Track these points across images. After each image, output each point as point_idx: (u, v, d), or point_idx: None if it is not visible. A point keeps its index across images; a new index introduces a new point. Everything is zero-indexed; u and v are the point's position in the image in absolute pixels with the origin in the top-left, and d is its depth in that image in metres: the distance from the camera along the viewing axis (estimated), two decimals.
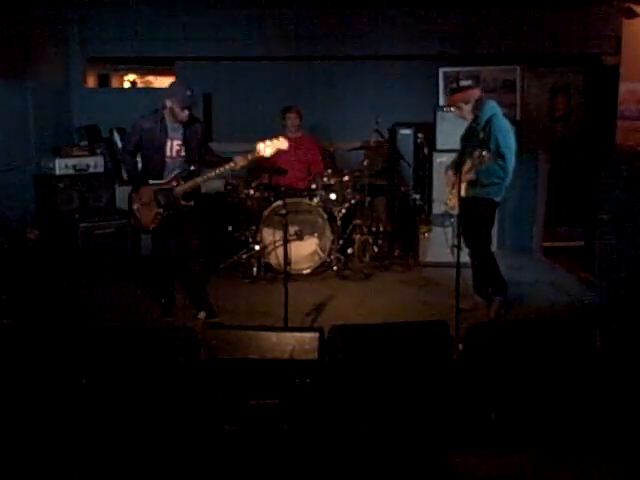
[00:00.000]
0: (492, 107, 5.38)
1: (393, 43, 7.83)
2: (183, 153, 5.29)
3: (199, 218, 5.44)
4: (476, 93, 5.45)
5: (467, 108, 5.40)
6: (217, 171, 5.22)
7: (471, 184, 5.32)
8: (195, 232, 5.41)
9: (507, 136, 5.29)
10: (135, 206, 5.35)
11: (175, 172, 5.25)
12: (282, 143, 5.17)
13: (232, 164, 5.17)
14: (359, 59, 8.00)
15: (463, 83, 5.46)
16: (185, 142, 5.28)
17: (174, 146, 5.27)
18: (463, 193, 5.26)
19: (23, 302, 5.49)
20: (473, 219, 5.42)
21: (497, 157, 5.22)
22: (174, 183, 5.23)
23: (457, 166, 5.23)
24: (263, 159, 5.31)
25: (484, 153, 5.12)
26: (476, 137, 5.36)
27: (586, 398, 3.72)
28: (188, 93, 5.13)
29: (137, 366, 3.80)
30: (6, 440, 3.55)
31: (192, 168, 5.30)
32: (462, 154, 5.37)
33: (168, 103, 5.18)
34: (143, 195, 5.28)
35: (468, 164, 5.32)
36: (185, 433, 3.55)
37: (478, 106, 5.37)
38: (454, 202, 5.30)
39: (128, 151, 5.38)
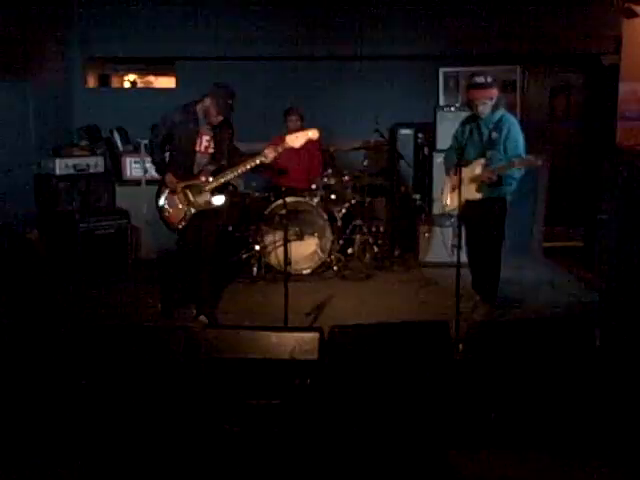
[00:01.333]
0: (499, 107, 5.36)
1: (393, 43, 7.84)
2: (211, 150, 5.26)
3: (221, 220, 5.43)
4: (497, 91, 5.36)
5: (490, 104, 5.29)
6: (247, 165, 5.18)
7: (485, 185, 5.27)
8: (212, 235, 5.37)
9: (521, 135, 5.28)
10: (164, 202, 5.28)
11: (203, 167, 5.22)
12: (313, 133, 5.16)
13: (262, 157, 5.14)
14: (359, 59, 8.00)
15: (490, 80, 5.30)
16: (214, 140, 5.25)
17: (203, 141, 5.24)
18: (478, 195, 5.25)
19: (23, 302, 5.49)
20: (490, 219, 5.39)
21: (518, 157, 5.20)
22: (203, 178, 5.20)
23: (457, 167, 5.14)
24: (292, 149, 5.25)
25: (517, 160, 5.05)
26: (486, 138, 5.29)
27: (586, 398, 3.73)
28: (229, 102, 5.11)
29: (137, 366, 3.80)
30: (6, 440, 3.55)
31: (223, 163, 5.25)
32: (461, 154, 5.14)
33: (207, 101, 5.16)
34: (171, 193, 5.24)
35: (479, 167, 5.26)
36: (185, 433, 3.55)
37: (494, 106, 5.31)
38: (455, 204, 5.24)
39: (157, 144, 5.31)
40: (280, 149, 5.15)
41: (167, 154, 5.38)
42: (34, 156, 6.89)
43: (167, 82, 9.12)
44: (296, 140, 5.15)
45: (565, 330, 4.07)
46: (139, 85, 9.80)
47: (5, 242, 5.82)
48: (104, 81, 8.97)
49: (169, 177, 5.23)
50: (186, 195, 5.22)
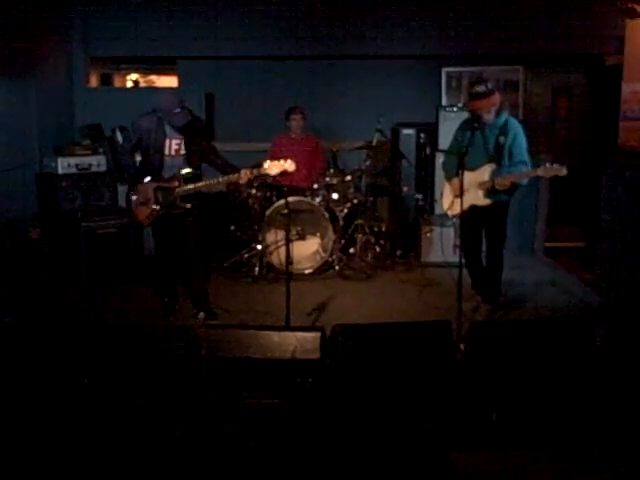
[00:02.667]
0: (502, 110, 5.33)
1: (395, 43, 7.84)
2: (183, 152, 5.29)
3: (199, 220, 5.43)
4: (499, 96, 5.28)
5: (494, 110, 5.23)
6: (220, 180, 5.24)
7: (495, 190, 5.22)
8: (194, 233, 5.40)
9: (525, 139, 5.26)
10: (133, 199, 5.35)
11: (177, 171, 5.26)
12: (290, 165, 5.17)
13: (237, 176, 5.18)
14: (361, 59, 8.00)
15: (491, 86, 5.18)
16: (185, 141, 5.27)
17: (173, 145, 5.27)
18: (487, 200, 5.24)
19: (25, 301, 5.50)
20: (499, 222, 5.38)
21: (524, 163, 5.21)
22: (175, 183, 5.24)
23: (457, 172, 5.06)
24: (267, 176, 5.28)
25: (541, 169, 4.99)
26: (493, 143, 5.23)
27: (587, 398, 3.73)
28: (176, 111, 5.08)
29: (139, 365, 3.81)
30: (6, 439, 3.55)
31: (197, 172, 5.30)
32: (462, 159, 5.03)
33: (161, 115, 5.18)
34: (142, 191, 5.29)
35: (487, 173, 5.21)
36: (187, 432, 3.55)
37: (497, 110, 5.25)
38: (458, 209, 5.20)
39: (127, 149, 5.41)
40: (255, 172, 5.17)
41: (138, 158, 5.43)
42: (36, 155, 6.89)
43: (169, 81, 9.13)
44: (273, 168, 5.13)
45: (566, 330, 4.07)
46: (141, 84, 9.82)
47: (7, 240, 5.82)
48: (106, 80, 8.99)
49: (143, 188, 5.27)
50: (156, 196, 5.25)
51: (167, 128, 5.23)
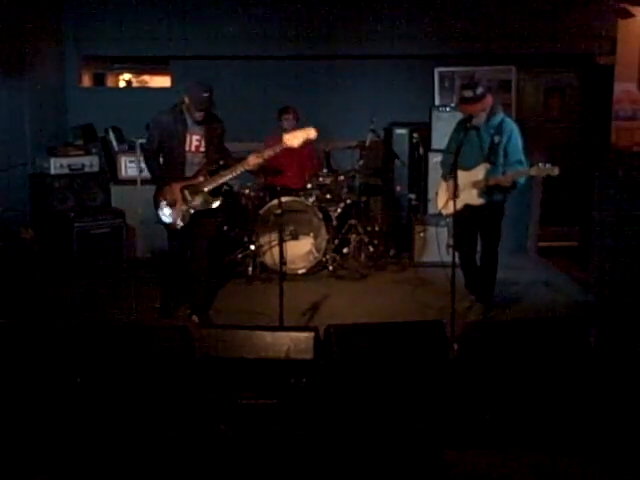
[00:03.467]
0: (496, 111, 5.34)
1: (389, 43, 7.84)
2: (202, 149, 5.25)
3: (218, 221, 5.40)
4: (491, 99, 5.28)
5: (484, 114, 5.24)
6: (239, 167, 5.16)
7: (489, 189, 5.24)
8: (206, 234, 5.37)
9: (521, 139, 5.27)
10: (162, 205, 5.26)
11: (200, 167, 5.20)
12: (312, 133, 5.10)
13: (246, 165, 5.14)
14: (355, 58, 8.00)
15: (480, 91, 5.15)
16: (205, 138, 5.24)
17: (193, 141, 5.23)
18: (480, 200, 5.25)
19: (18, 301, 5.48)
20: (495, 222, 5.39)
21: (520, 163, 5.22)
22: (201, 178, 5.20)
23: (452, 170, 5.09)
24: (291, 149, 5.19)
25: (534, 169, 5.00)
26: (488, 142, 5.23)
27: (581, 397, 3.73)
28: (205, 95, 5.06)
29: (132, 365, 3.80)
30: (1, 439, 3.54)
31: (221, 163, 5.24)
32: (456, 157, 5.05)
33: (186, 100, 5.16)
34: (169, 193, 5.21)
35: (481, 172, 5.22)
36: (180, 433, 3.54)
37: (490, 112, 5.26)
38: (452, 207, 5.20)
39: (152, 150, 5.30)
40: (272, 152, 5.13)
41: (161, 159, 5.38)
42: (29, 155, 6.87)
43: (162, 81, 9.11)
44: (294, 139, 5.07)
45: (560, 330, 4.08)
46: (134, 84, 9.80)
47: (0, 241, 5.80)
48: (99, 80, 8.97)
49: (170, 190, 5.21)
50: (184, 196, 5.21)
51: (189, 121, 5.19)
